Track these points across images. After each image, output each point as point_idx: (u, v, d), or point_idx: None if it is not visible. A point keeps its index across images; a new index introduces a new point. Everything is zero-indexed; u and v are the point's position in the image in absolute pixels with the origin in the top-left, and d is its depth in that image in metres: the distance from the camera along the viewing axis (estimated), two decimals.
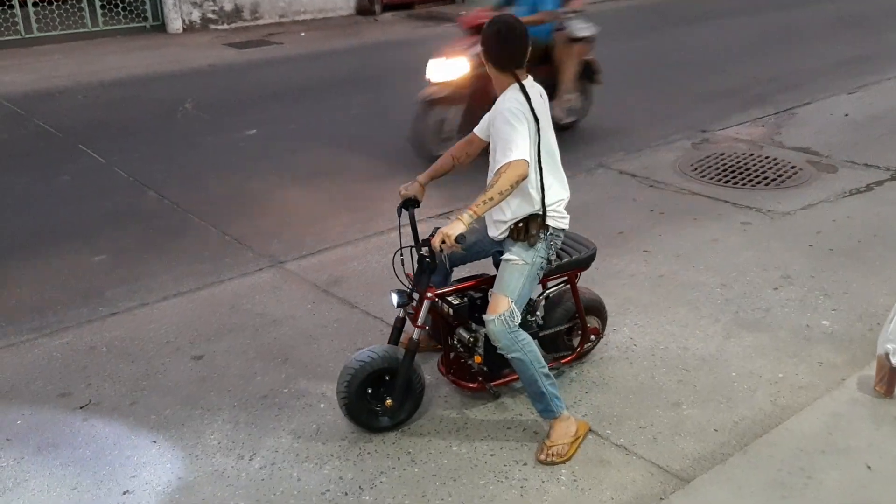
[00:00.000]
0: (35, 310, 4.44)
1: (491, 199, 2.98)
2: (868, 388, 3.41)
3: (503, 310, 3.11)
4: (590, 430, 3.36)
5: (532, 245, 3.22)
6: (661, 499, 2.95)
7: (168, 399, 3.64)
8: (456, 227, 2.95)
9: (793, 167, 6.44)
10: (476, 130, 3.48)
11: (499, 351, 3.18)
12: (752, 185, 6.09)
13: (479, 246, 3.43)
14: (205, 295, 4.59)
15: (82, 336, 4.19)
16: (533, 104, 3.09)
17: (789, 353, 3.91)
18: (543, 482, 3.08)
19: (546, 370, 3.21)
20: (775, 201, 5.76)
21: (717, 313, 4.29)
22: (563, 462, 3.17)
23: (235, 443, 3.33)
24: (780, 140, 7.13)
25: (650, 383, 3.70)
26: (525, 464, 3.18)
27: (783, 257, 4.90)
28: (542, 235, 3.24)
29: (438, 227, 3.03)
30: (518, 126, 3.03)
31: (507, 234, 3.27)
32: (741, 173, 6.33)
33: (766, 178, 6.24)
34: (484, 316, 3.18)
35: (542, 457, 3.17)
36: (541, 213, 3.22)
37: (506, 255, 3.25)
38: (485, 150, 3.41)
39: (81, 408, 3.60)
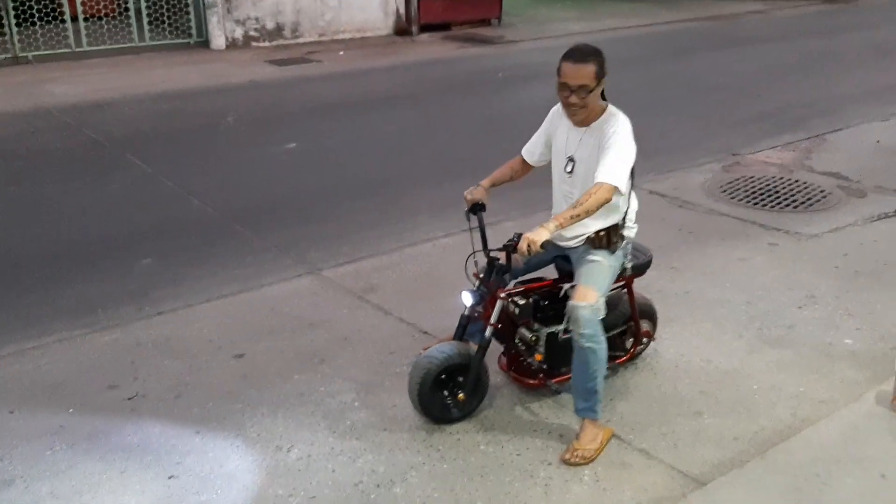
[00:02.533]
0: (86, 308, 4.66)
1: (577, 215, 3.16)
2: (886, 402, 3.51)
3: (593, 300, 3.29)
4: (613, 434, 3.49)
5: (613, 252, 3.44)
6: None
7: (210, 393, 3.84)
8: (541, 234, 3.12)
9: (822, 191, 6.52)
10: (526, 154, 3.70)
11: (579, 338, 3.27)
12: (781, 208, 6.19)
13: (539, 257, 3.57)
14: (246, 298, 4.80)
15: (130, 333, 4.40)
16: None
17: (811, 369, 4.00)
18: (567, 481, 3.22)
19: (605, 372, 3.38)
20: (803, 223, 5.85)
21: (741, 329, 4.39)
22: (587, 464, 3.30)
23: (274, 436, 3.51)
24: (811, 164, 7.21)
25: (673, 393, 3.82)
26: (549, 464, 3.32)
27: (809, 277, 4.99)
28: (619, 243, 3.46)
29: (521, 233, 3.21)
30: (630, 153, 3.27)
31: (582, 242, 3.45)
32: (770, 196, 6.42)
33: (794, 200, 6.33)
34: (572, 302, 3.30)
35: (568, 456, 3.31)
36: (621, 223, 3.45)
37: (590, 256, 3.43)
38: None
39: (129, 399, 3.80)
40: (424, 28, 13.97)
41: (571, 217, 3.16)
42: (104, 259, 5.32)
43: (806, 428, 3.43)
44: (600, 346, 3.32)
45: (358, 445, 3.44)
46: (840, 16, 15.57)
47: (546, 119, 3.63)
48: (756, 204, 6.26)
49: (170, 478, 3.26)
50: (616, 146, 3.24)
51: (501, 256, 3.49)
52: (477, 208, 3.63)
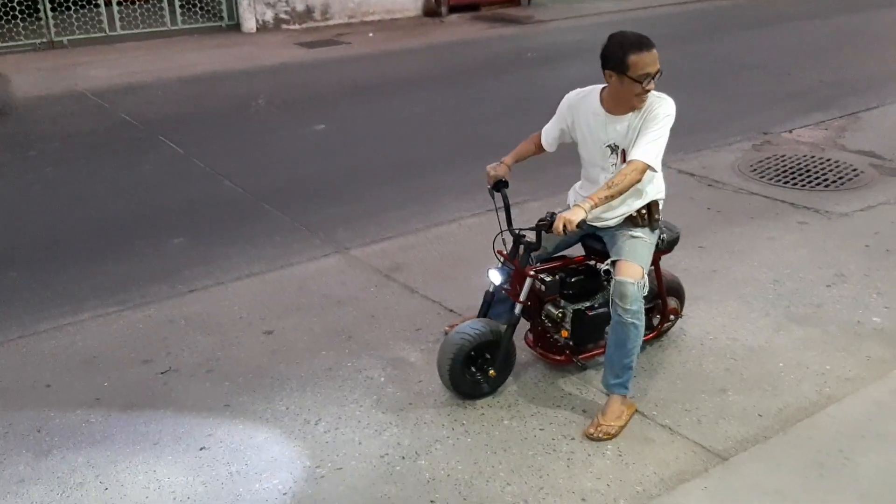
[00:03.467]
0: (120, 285, 4.77)
1: (611, 195, 3.20)
2: None
3: (639, 277, 3.31)
4: (636, 410, 3.51)
5: (654, 229, 3.48)
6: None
7: (241, 368, 3.92)
8: (577, 214, 3.14)
9: (854, 170, 6.44)
10: (543, 135, 3.67)
11: (624, 314, 3.28)
12: (812, 187, 6.12)
13: (566, 238, 3.57)
14: (275, 276, 4.87)
15: (162, 310, 4.50)
16: None
17: (838, 347, 3.98)
18: (589, 455, 3.25)
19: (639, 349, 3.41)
20: (834, 202, 5.79)
21: (767, 307, 4.38)
22: (609, 439, 3.33)
23: (302, 409, 3.58)
24: (843, 143, 7.11)
25: (697, 370, 3.83)
26: (573, 438, 3.35)
27: (838, 256, 4.95)
28: (660, 219, 3.50)
29: (554, 212, 3.24)
30: (667, 135, 3.27)
31: (622, 220, 3.45)
32: (801, 175, 6.35)
33: (826, 179, 6.25)
34: (619, 278, 3.32)
35: (592, 431, 3.34)
36: (661, 198, 3.50)
37: (632, 233, 3.44)
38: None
39: (162, 373, 3.90)
40: (453, 9, 13.93)
41: (606, 197, 3.20)
42: (137, 238, 5.43)
43: (831, 405, 3.43)
44: (642, 322, 3.35)
45: (384, 419, 3.50)
46: None
47: (561, 109, 3.57)
48: (786, 183, 6.20)
49: (201, 449, 3.35)
50: (661, 128, 3.26)
51: (530, 234, 3.51)
52: (500, 185, 3.64)
